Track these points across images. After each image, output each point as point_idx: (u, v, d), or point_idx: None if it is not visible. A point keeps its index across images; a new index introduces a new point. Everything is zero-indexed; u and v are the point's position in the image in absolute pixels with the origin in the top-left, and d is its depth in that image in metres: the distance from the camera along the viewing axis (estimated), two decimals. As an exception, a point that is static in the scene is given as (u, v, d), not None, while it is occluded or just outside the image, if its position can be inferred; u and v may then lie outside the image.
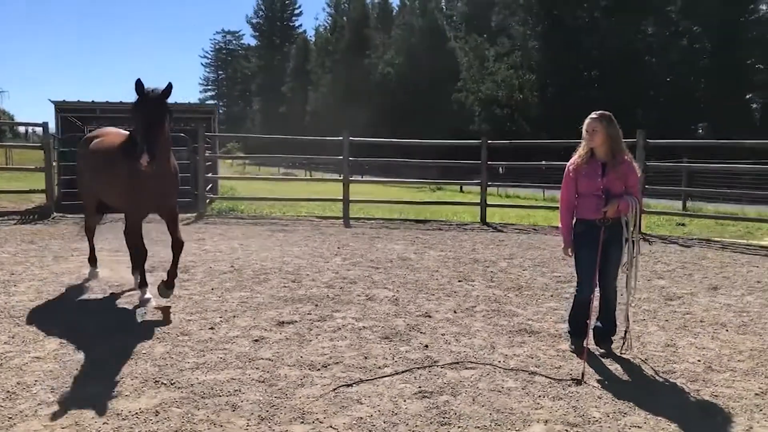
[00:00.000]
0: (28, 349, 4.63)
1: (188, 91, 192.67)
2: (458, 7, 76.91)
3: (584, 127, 4.89)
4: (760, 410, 3.84)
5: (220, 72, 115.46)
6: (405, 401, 3.86)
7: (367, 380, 4.18)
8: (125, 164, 5.55)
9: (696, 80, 36.39)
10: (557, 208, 5.32)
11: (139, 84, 5.20)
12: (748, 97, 35.45)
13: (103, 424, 3.43)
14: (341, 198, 14.38)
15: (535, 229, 13.12)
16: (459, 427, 3.51)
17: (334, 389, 4.00)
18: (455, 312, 6.09)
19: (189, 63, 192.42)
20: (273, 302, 6.26)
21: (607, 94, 41.66)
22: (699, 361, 4.79)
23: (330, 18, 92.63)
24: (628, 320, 4.92)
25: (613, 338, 5.05)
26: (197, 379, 4.12)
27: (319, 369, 4.39)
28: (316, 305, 6.18)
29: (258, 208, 15.45)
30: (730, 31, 34.70)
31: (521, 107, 50.99)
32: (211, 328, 5.28)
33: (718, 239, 11.69)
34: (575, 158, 4.97)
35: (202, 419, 3.51)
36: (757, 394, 4.12)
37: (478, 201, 14.59)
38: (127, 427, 3.40)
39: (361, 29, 77.09)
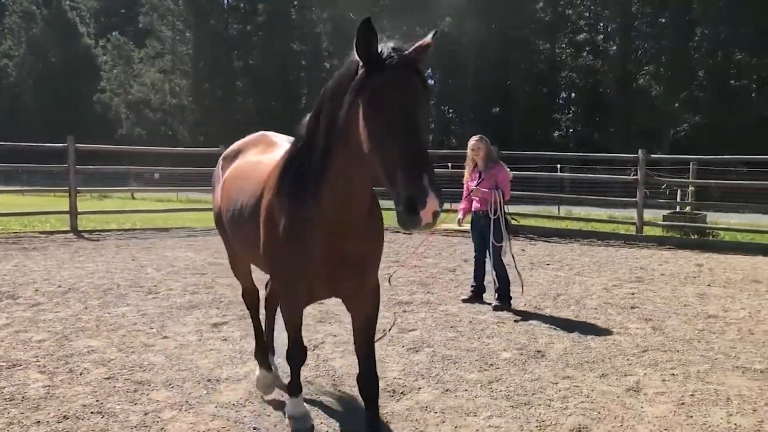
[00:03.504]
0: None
1: None
2: (85, 1, 70.94)
3: (469, 146, 6.82)
4: (631, 323, 6.20)
5: None
6: (441, 345, 5.05)
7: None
8: (282, 199, 3.00)
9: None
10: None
11: (370, 32, 2.47)
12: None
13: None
14: (67, 210, 13.33)
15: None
16: (508, 349, 4.92)
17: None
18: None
19: None
20: (176, 312, 6.36)
21: (263, 102, 44.79)
22: (564, 301, 7.11)
23: None
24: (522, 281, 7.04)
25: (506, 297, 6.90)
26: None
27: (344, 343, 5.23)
28: (218, 308, 6.56)
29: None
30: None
31: (176, 112, 50.56)
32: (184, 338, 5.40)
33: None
34: (467, 171, 6.94)
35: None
36: (619, 314, 6.54)
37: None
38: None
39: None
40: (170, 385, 4.26)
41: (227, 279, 8.15)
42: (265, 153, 3.72)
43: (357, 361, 3.21)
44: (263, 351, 4.20)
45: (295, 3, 45.54)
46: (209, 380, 4.37)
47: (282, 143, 3.75)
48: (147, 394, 4.06)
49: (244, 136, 4.24)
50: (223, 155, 4.23)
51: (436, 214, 2.31)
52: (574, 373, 4.71)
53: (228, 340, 5.37)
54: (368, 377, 3.18)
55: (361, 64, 2.54)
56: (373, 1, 42.49)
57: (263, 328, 4.38)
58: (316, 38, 43.56)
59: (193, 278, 8.21)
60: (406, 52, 2.56)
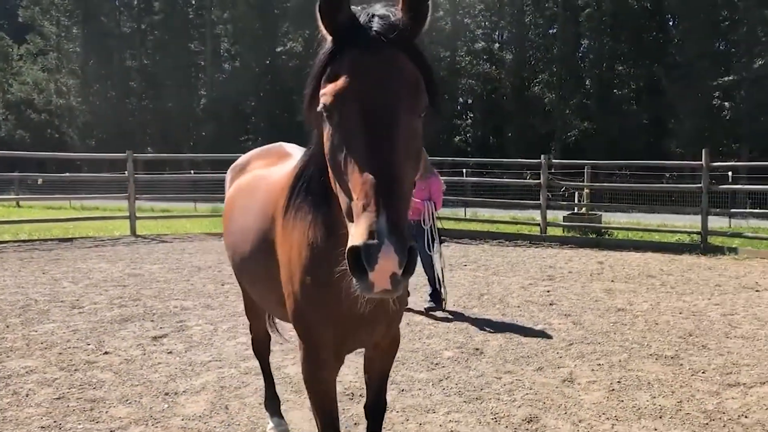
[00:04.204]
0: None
1: None
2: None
3: None
4: (553, 319, 6.66)
5: None
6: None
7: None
8: (294, 223, 2.31)
9: (248, 98, 41.59)
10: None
11: None
12: (299, 119, 42.43)
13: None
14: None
15: (190, 237, 14.15)
16: (448, 348, 5.17)
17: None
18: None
19: None
20: (108, 326, 6.16)
21: (160, 104, 43.08)
22: (488, 300, 7.45)
23: None
24: (444, 287, 7.21)
25: (442, 301, 7.18)
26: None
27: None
28: (152, 321, 6.42)
29: None
30: (270, 60, 40.98)
31: (64, 114, 47.49)
32: (143, 352, 5.25)
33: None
34: None
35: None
36: (540, 311, 6.99)
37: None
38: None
39: None
40: (127, 401, 4.19)
41: (152, 290, 7.97)
42: (274, 166, 3.00)
43: (366, 390, 2.82)
44: (274, 399, 3.79)
45: (193, 2, 44.23)
46: (167, 394, 4.33)
47: (297, 155, 2.88)
48: (106, 411, 3.99)
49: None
50: (231, 167, 3.55)
51: (395, 278, 1.48)
52: (514, 367, 5.09)
53: (174, 353, 5.30)
54: (379, 406, 2.79)
55: (329, 40, 1.77)
56: (275, 4, 42.15)
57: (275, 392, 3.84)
58: (216, 39, 42.56)
59: (115, 291, 7.93)
60: (395, 19, 1.73)
